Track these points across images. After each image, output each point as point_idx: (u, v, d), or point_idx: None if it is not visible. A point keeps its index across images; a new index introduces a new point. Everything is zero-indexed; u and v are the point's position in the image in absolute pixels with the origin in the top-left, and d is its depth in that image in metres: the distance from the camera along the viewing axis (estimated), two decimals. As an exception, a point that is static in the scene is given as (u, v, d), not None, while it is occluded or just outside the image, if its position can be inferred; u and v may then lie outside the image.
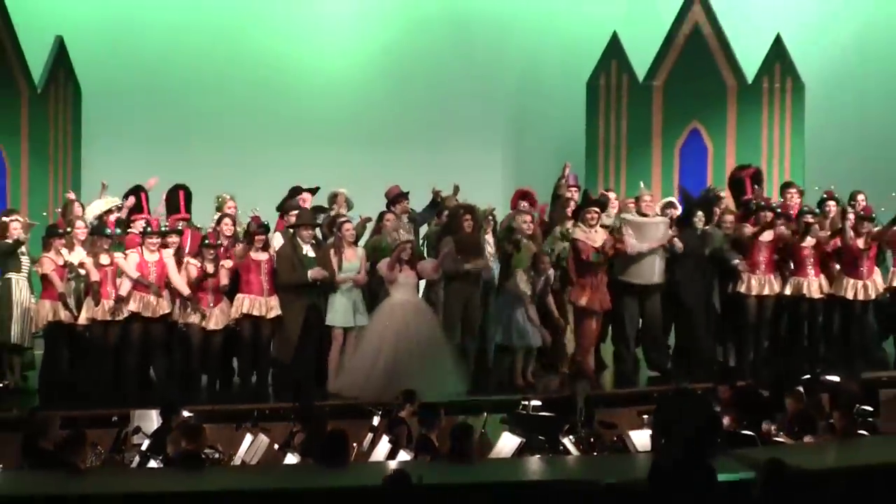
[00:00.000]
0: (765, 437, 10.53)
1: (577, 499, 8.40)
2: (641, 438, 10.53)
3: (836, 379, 12.25)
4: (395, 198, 14.08)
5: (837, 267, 14.22)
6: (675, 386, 12.22)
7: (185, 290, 13.02)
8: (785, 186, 14.97)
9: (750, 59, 16.97)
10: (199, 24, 17.66)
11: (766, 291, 14.04)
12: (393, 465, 9.57)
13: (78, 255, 13.11)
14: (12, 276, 13.15)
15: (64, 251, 13.08)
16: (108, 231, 13.22)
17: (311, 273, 13.09)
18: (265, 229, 13.39)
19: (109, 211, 13.74)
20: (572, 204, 14.11)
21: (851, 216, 14.09)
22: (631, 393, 13.30)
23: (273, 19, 18.06)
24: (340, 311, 13.25)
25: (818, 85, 17.25)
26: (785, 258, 14.17)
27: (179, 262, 13.21)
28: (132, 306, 12.92)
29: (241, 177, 15.67)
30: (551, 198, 14.75)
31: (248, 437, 10.94)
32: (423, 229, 14.41)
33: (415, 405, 11.18)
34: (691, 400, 10.08)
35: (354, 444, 10.44)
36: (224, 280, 13.19)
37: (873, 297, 14.22)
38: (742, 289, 14.01)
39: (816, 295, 14.10)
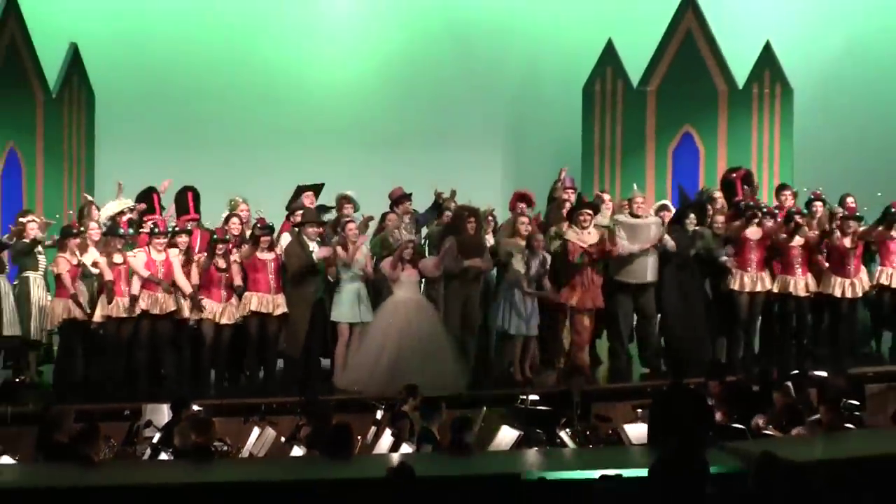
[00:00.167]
0: (755, 431, 10.54)
1: (574, 490, 8.40)
2: (636, 431, 10.53)
3: (824, 374, 12.26)
4: (398, 199, 14.12)
5: (826, 265, 14.25)
6: (670, 381, 12.21)
7: (188, 289, 13.05)
8: (780, 188, 15.02)
9: (740, 66, 16.97)
10: (207, 34, 17.67)
11: (758, 288, 14.07)
12: (396, 457, 9.58)
13: (91, 256, 13.14)
14: (30, 274, 13.21)
15: (78, 252, 13.13)
16: (122, 231, 13.26)
17: (319, 252, 13.11)
18: (270, 230, 13.42)
19: (122, 212, 13.78)
20: (568, 205, 14.12)
21: (840, 217, 14.15)
22: (625, 388, 13.31)
23: (279, 30, 18.07)
24: (346, 306, 13.29)
25: (806, 90, 17.23)
26: (773, 255, 14.20)
27: (189, 262, 13.24)
28: (142, 304, 12.96)
29: (247, 179, 15.68)
30: (548, 200, 14.79)
31: (256, 431, 10.96)
32: (425, 229, 14.42)
33: (417, 399, 11.18)
34: (686, 395, 10.06)
35: (358, 437, 10.43)
36: (237, 279, 13.23)
37: (860, 294, 14.25)
38: (735, 286, 14.03)
39: (802, 293, 14.13)
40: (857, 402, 11.36)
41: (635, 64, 16.97)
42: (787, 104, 16.98)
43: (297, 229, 13.50)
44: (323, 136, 17.66)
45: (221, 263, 13.17)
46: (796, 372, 12.33)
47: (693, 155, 16.97)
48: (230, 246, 13.26)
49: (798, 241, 14.11)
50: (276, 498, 8.40)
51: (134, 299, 12.90)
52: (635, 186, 14.90)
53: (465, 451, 9.48)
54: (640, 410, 11.24)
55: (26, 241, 13.06)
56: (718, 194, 14.84)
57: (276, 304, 13.28)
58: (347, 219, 13.58)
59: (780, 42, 17.07)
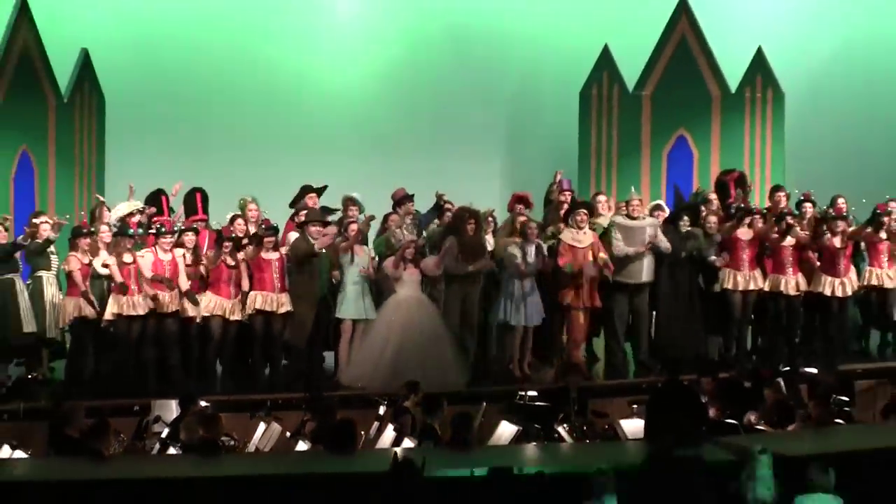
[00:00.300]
0: (747, 427, 10.54)
1: (571, 484, 8.40)
2: (631, 426, 10.54)
3: (814, 371, 12.26)
4: (401, 200, 14.14)
5: (818, 264, 14.28)
6: (665, 378, 12.22)
7: (185, 286, 13.07)
8: (774, 190, 15.04)
9: (733, 71, 16.97)
10: (215, 39, 17.67)
11: (750, 287, 14.08)
12: (398, 451, 9.58)
13: (103, 259, 13.15)
14: (42, 273, 13.25)
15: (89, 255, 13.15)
16: (131, 231, 13.28)
17: (318, 244, 13.11)
18: (274, 230, 13.44)
19: (131, 214, 13.80)
20: (565, 207, 14.13)
21: (827, 218, 14.19)
22: (621, 384, 13.31)
23: (286, 36, 18.07)
24: (350, 304, 13.30)
25: (797, 94, 17.24)
26: (763, 252, 14.22)
27: (198, 261, 13.26)
28: (150, 302, 12.98)
29: (254, 181, 15.63)
30: (544, 202, 14.81)
31: (262, 426, 10.96)
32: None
33: (418, 395, 11.20)
34: (681, 392, 10.05)
35: (362, 432, 10.45)
36: (245, 280, 13.24)
37: (850, 293, 14.26)
38: (728, 285, 14.05)
39: (793, 292, 14.14)
40: (846, 398, 11.38)
41: (631, 69, 16.98)
42: (779, 108, 16.98)
43: (301, 229, 13.53)
44: (327, 139, 17.65)
45: (230, 261, 13.20)
46: (787, 369, 12.33)
47: (687, 158, 16.98)
48: (243, 243, 13.28)
49: (789, 241, 14.13)
50: (282, 491, 8.41)
51: (154, 298, 12.92)
52: (633, 189, 14.92)
53: (465, 445, 9.48)
54: (635, 406, 11.24)
55: (39, 241, 13.08)
56: (713, 196, 14.86)
57: (281, 302, 13.30)
58: (350, 220, 13.62)
59: (771, 48, 17.08)
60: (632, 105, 17.00)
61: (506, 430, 10.48)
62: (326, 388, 12.51)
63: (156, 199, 14.05)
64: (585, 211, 13.74)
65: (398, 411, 11.12)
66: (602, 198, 14.71)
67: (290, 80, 17.97)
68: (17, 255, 13.20)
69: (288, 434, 10.85)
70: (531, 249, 13.40)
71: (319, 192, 14.30)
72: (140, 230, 13.44)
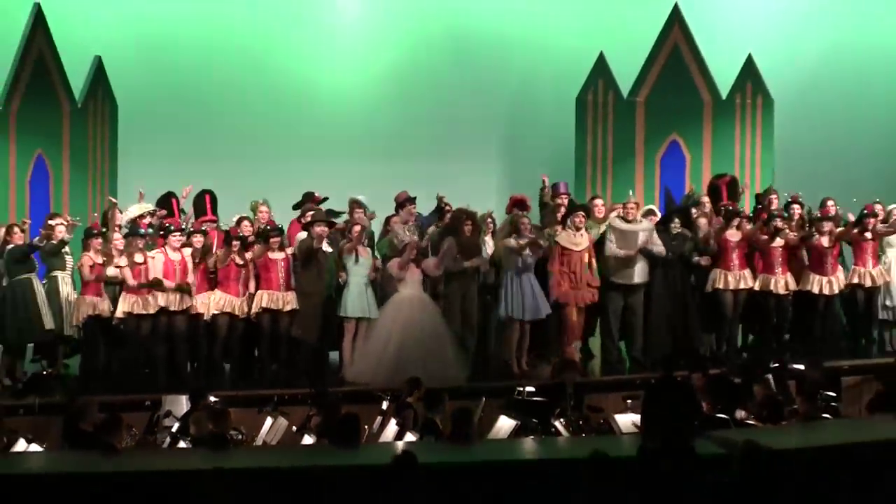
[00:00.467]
0: (737, 422, 10.54)
1: (568, 475, 8.40)
2: (626, 421, 10.54)
3: (802, 367, 12.26)
4: (403, 202, 14.14)
5: (807, 263, 14.30)
6: (660, 374, 12.21)
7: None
8: (766, 192, 15.09)
9: (724, 77, 16.98)
10: (224, 46, 17.69)
11: (741, 286, 14.10)
12: (400, 445, 9.59)
13: (115, 263, 13.17)
14: (58, 273, 13.30)
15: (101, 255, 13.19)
16: (142, 231, 13.32)
17: (318, 241, 13.14)
18: (280, 231, 13.47)
19: (142, 216, 13.84)
20: (562, 209, 14.14)
21: (814, 219, 14.22)
22: (616, 380, 13.30)
23: (292, 41, 18.09)
24: (353, 302, 13.31)
25: (786, 100, 17.25)
26: (753, 251, 14.24)
27: (203, 260, 13.28)
28: (160, 301, 13.01)
29: (261, 183, 15.67)
30: (539, 206, 14.82)
31: (269, 420, 10.97)
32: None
33: (420, 391, 11.19)
34: (675, 387, 10.06)
35: (365, 427, 10.45)
36: (252, 281, 13.25)
37: (836, 292, 14.30)
38: (719, 284, 14.07)
39: (782, 291, 14.17)
40: (833, 394, 11.37)
41: (625, 76, 16.99)
42: (768, 114, 17.00)
43: (306, 229, 13.55)
44: (331, 143, 17.64)
45: (239, 260, 13.22)
46: (776, 365, 12.33)
47: (680, 162, 16.98)
48: (249, 241, 13.30)
49: (778, 242, 14.16)
50: (288, 483, 8.41)
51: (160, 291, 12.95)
52: (631, 192, 14.97)
53: (465, 439, 9.49)
54: (629, 401, 11.24)
55: (54, 242, 13.11)
56: (705, 199, 14.89)
57: (287, 300, 13.32)
58: (355, 222, 13.65)
59: (761, 55, 17.09)
60: (626, 111, 17.01)
61: (504, 425, 10.47)
62: (331, 384, 12.51)
63: (166, 201, 14.09)
64: (583, 213, 13.76)
65: (401, 406, 11.12)
66: (599, 201, 14.72)
67: (298, 85, 17.98)
68: (33, 255, 13.22)
69: (294, 428, 10.85)
70: (525, 243, 13.43)
71: (321, 202, 14.32)
72: (150, 230, 13.46)
